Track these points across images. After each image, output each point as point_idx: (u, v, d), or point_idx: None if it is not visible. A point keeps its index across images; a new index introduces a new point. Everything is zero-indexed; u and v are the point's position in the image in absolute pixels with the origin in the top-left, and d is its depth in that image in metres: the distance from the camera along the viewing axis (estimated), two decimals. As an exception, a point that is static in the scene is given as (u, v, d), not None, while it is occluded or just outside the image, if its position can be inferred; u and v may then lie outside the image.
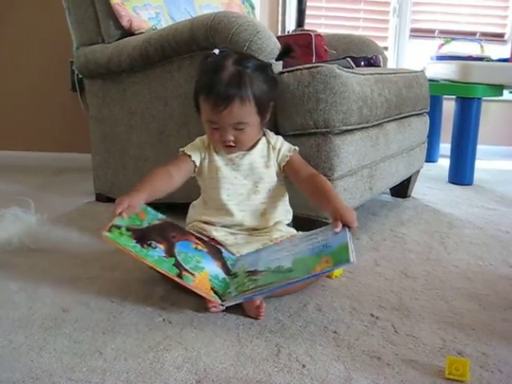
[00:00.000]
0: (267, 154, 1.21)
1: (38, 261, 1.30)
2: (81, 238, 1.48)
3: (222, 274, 1.07)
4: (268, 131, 1.25)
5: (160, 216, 1.17)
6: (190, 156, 1.20)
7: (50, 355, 0.87)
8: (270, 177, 1.21)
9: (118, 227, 1.04)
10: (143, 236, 1.06)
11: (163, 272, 1.01)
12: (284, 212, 1.25)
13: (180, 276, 1.01)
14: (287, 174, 1.22)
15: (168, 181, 1.17)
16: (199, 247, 1.12)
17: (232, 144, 1.15)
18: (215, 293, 1.01)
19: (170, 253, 1.05)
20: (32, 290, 1.13)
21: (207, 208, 1.23)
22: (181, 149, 1.23)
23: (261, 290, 0.97)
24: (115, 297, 1.09)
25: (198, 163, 1.21)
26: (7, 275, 1.21)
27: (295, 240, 1.13)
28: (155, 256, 1.02)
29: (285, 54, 1.32)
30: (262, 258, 1.10)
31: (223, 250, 1.16)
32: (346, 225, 1.04)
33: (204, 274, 1.04)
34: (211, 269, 1.07)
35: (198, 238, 1.16)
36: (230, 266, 1.11)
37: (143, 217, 1.12)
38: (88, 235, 1.50)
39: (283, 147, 1.22)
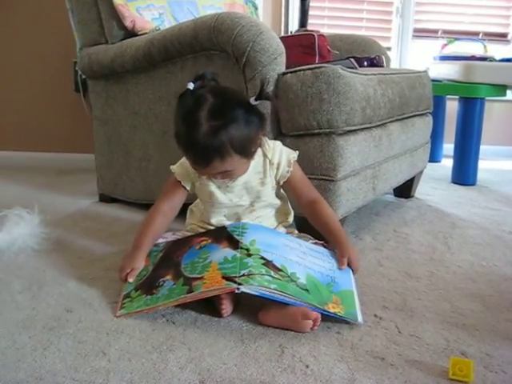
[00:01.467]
0: (263, 170, 1.15)
1: (42, 261, 1.30)
2: (84, 239, 1.48)
3: (230, 253, 1.04)
4: (263, 139, 1.13)
5: (161, 245, 1.16)
6: (180, 182, 1.18)
7: (54, 355, 0.87)
8: (267, 194, 1.17)
9: (128, 295, 1.05)
10: (151, 283, 1.06)
11: (177, 302, 1.00)
12: (283, 215, 1.25)
13: (191, 290, 0.98)
14: (286, 189, 1.21)
15: (164, 222, 1.18)
16: (204, 243, 1.11)
17: None
18: (228, 279, 0.97)
19: (177, 275, 1.04)
20: (36, 290, 1.13)
21: (204, 221, 1.22)
22: (171, 167, 1.19)
23: (279, 297, 0.96)
24: (119, 297, 1.09)
25: (189, 188, 1.19)
26: (11, 276, 1.21)
27: (303, 245, 1.13)
28: (165, 292, 1.01)
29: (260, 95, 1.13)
30: (275, 247, 1.07)
31: (227, 225, 1.15)
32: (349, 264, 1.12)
33: (213, 266, 1.02)
34: (218, 256, 1.04)
35: (199, 234, 1.15)
36: (237, 237, 1.08)
37: (147, 263, 1.13)
38: (91, 236, 1.50)
39: (282, 161, 1.16)
